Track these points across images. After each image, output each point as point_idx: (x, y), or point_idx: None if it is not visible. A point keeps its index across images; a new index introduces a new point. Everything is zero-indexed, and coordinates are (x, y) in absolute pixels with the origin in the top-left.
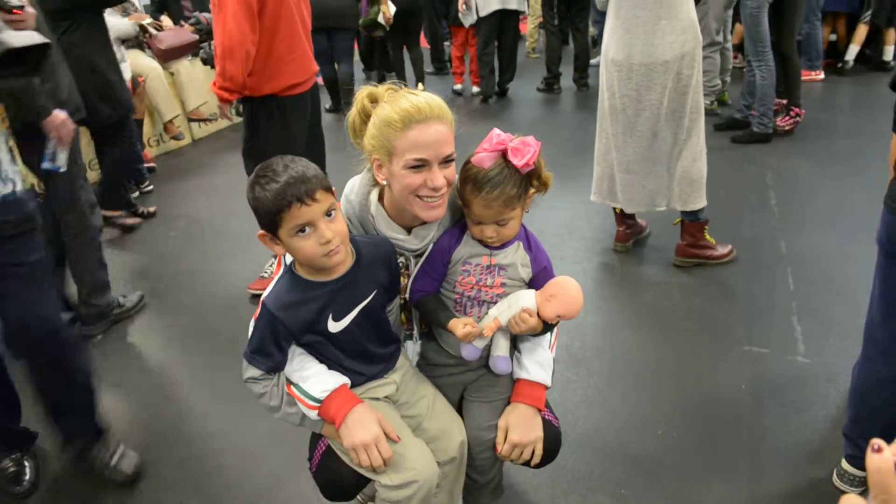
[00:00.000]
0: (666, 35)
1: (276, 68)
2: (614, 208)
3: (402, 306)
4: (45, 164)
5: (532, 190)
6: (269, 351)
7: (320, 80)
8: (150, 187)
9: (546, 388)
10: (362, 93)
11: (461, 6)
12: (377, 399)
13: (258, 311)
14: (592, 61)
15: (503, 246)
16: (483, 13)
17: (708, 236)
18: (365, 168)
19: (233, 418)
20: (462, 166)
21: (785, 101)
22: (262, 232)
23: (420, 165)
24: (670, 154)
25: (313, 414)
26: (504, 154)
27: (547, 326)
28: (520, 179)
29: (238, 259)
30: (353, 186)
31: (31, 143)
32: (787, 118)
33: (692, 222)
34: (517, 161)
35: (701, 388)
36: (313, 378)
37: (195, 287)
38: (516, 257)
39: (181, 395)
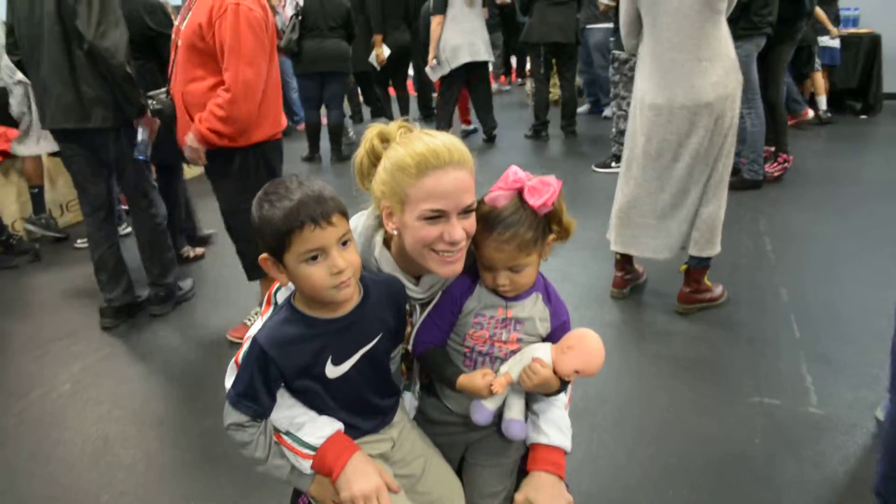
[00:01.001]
0: (708, 76)
1: (267, 113)
2: (617, 254)
3: (403, 356)
4: (137, 154)
5: (552, 236)
6: (256, 394)
7: (301, 127)
8: None
9: (565, 453)
10: (372, 131)
11: (431, 61)
12: (371, 456)
13: (244, 348)
14: (580, 109)
15: (520, 297)
16: (454, 65)
17: (706, 279)
18: (370, 207)
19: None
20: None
21: (773, 149)
22: (265, 255)
23: (436, 217)
24: (700, 198)
25: (306, 465)
26: (521, 193)
27: (562, 385)
28: (537, 222)
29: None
30: (356, 226)
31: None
32: (775, 164)
33: (700, 268)
34: (534, 201)
35: (711, 443)
36: (309, 425)
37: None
38: (534, 310)
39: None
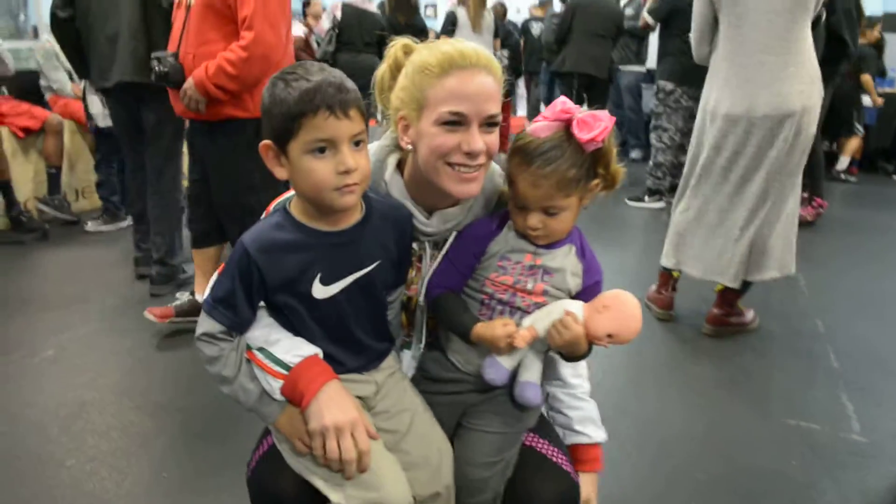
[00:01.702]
0: (794, 84)
1: None
2: (667, 272)
3: (404, 305)
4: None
5: (596, 181)
6: (235, 302)
7: None
8: None
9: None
10: (396, 45)
11: None
12: None
13: (231, 254)
14: None
15: (552, 246)
16: None
17: (738, 303)
18: (388, 131)
19: None
20: (514, 138)
21: (807, 194)
22: (266, 142)
23: (456, 122)
24: (771, 217)
25: (277, 387)
26: (568, 126)
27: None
28: (582, 160)
29: None
30: (370, 149)
31: None
32: (809, 208)
33: (738, 291)
34: (583, 135)
35: (743, 460)
36: (286, 341)
37: None
38: (566, 262)
39: None
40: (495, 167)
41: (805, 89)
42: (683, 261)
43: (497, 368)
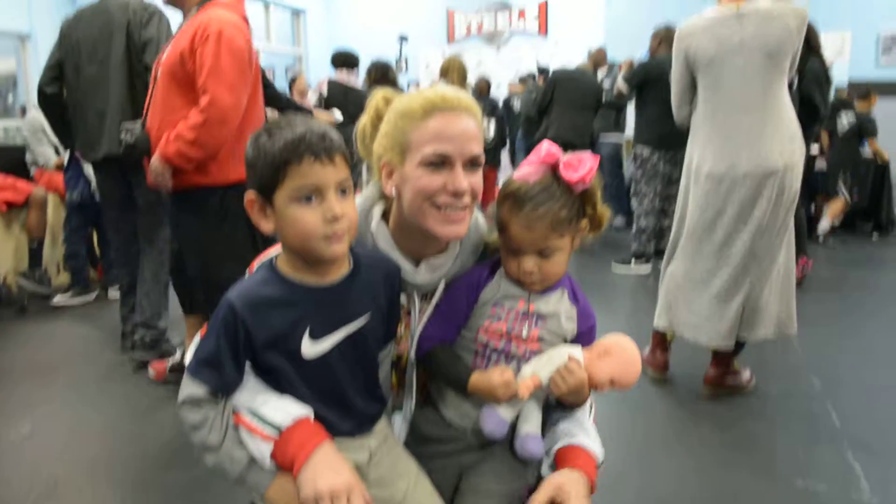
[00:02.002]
0: (774, 142)
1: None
2: (661, 332)
3: (394, 364)
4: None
5: (584, 220)
6: (221, 362)
7: None
8: None
9: (597, 466)
10: (376, 96)
11: None
12: None
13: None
14: None
15: (544, 291)
16: None
17: (735, 363)
18: (371, 183)
19: None
20: (503, 185)
21: None
22: (251, 196)
23: (440, 163)
24: (760, 277)
25: (267, 451)
26: (554, 169)
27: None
28: (571, 201)
29: None
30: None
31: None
32: (795, 268)
33: (732, 351)
34: (570, 175)
35: None
36: (275, 400)
37: None
38: (560, 306)
39: None
40: (479, 216)
41: (786, 148)
42: (676, 322)
43: (496, 420)
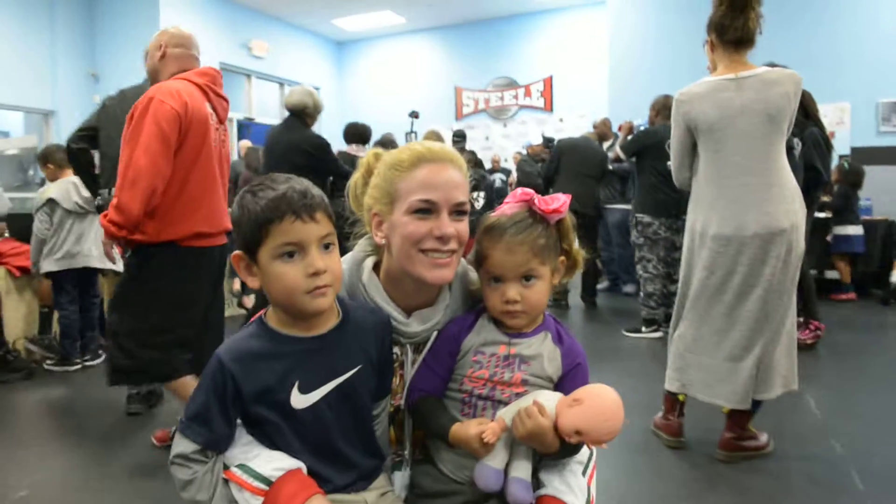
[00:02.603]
0: (780, 203)
1: (183, 213)
2: (673, 395)
3: (392, 417)
4: None
5: (562, 258)
6: (210, 417)
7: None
8: None
9: None
10: (368, 154)
11: None
12: None
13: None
14: (599, 286)
15: (525, 334)
16: None
17: (750, 426)
18: (363, 239)
19: None
20: (480, 222)
21: (801, 318)
22: (237, 253)
23: (427, 210)
24: (774, 335)
25: None
26: (530, 206)
27: (565, 449)
28: (548, 232)
29: None
30: (345, 257)
31: None
32: (807, 332)
33: (748, 412)
34: (545, 206)
35: None
36: (265, 454)
37: None
38: (542, 348)
39: None
40: (469, 270)
41: (790, 207)
42: (688, 384)
43: (488, 472)
